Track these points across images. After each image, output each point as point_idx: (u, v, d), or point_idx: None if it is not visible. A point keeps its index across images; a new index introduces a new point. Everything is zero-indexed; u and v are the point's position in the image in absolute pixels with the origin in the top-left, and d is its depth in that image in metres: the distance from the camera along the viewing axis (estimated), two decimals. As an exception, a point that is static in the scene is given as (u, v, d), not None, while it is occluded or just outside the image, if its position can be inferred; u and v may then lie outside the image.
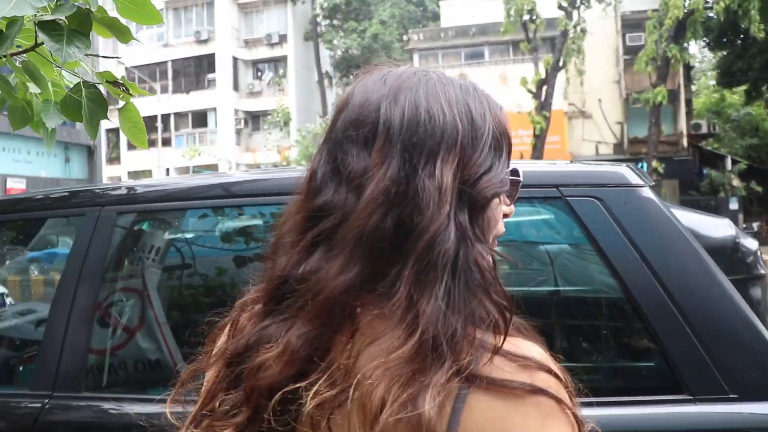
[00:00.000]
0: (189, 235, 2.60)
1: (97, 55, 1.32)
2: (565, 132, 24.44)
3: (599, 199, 1.78)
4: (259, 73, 34.88)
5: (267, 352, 0.77)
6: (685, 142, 24.92)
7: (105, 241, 2.15)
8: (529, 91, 21.50)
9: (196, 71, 33.47)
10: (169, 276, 2.60)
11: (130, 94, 1.44)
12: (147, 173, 31.98)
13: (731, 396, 1.62)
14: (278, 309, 0.81)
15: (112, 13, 1.34)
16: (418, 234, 0.76)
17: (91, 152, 32.79)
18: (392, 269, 0.76)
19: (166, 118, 32.62)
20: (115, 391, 2.27)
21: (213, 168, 29.80)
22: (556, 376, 0.74)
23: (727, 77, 25.97)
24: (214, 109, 33.04)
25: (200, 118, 33.59)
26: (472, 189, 0.79)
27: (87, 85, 1.38)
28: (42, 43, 1.32)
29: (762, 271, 4.18)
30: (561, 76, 22.61)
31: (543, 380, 0.73)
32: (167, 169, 31.25)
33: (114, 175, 33.35)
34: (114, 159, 34.42)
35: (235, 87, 33.80)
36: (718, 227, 4.23)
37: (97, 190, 2.41)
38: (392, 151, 0.79)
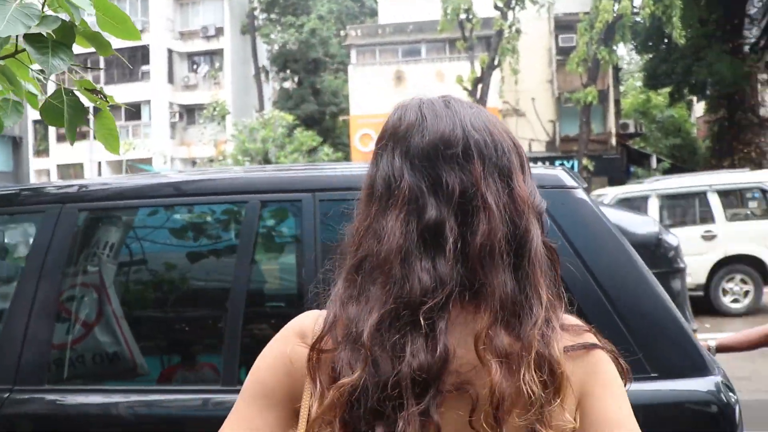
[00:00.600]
0: (152, 232, 2.66)
1: (81, 65, 1.40)
2: (499, 129, 24.98)
3: (538, 199, 1.96)
4: (195, 66, 34.26)
5: (496, 372, 0.85)
6: (614, 140, 25.82)
7: (66, 238, 2.21)
8: (465, 89, 21.89)
9: (129, 63, 32.63)
10: (127, 271, 2.66)
11: (107, 101, 1.52)
12: (77, 167, 30.96)
13: (652, 375, 1.82)
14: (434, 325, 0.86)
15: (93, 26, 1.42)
16: (530, 239, 0.91)
17: (16, 144, 31.44)
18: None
19: (97, 110, 31.66)
20: (76, 384, 2.32)
21: (147, 162, 29.14)
22: (595, 333, 0.97)
23: (652, 80, 27.01)
24: (148, 101, 32.27)
25: (134, 111, 32.79)
26: (533, 202, 0.95)
27: (67, 92, 1.45)
28: (22, 50, 1.39)
29: (682, 265, 4.51)
30: (496, 75, 23.09)
31: (591, 338, 0.96)
32: (99, 163, 30.35)
33: (42, 168, 32.17)
34: (42, 151, 33.20)
35: (170, 80, 33.09)
36: (643, 224, 4.54)
37: (57, 188, 2.45)
38: (490, 169, 0.92)
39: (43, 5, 1.32)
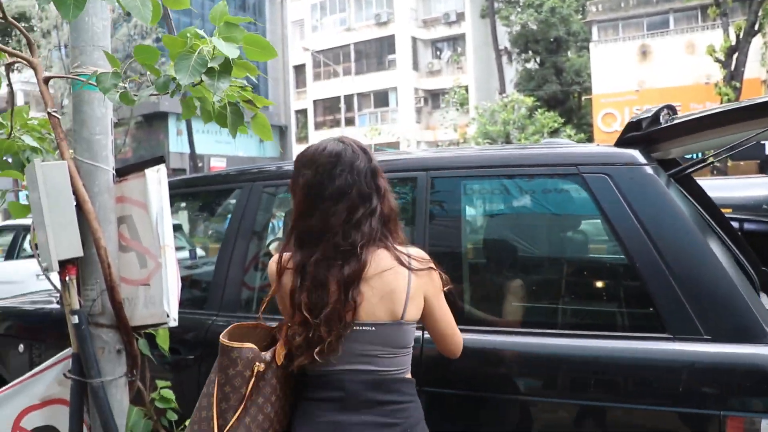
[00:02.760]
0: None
1: (235, 85, 2.06)
2: (761, 102, 22.52)
3: (609, 175, 2.21)
4: (438, 52, 35.65)
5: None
6: None
7: (254, 208, 2.97)
8: (717, 60, 20.15)
9: (377, 53, 35.02)
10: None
11: (257, 107, 2.19)
12: (331, 151, 34.05)
13: (705, 337, 1.99)
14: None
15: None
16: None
17: (282, 132, 35.55)
18: None
19: (349, 98, 34.57)
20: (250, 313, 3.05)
21: (394, 146, 31.15)
22: (431, 260, 1.82)
23: None
24: (395, 88, 34.39)
25: (381, 98, 35.14)
26: None
27: (231, 104, 2.14)
28: (200, 81, 2.08)
29: None
30: (756, 42, 20.87)
31: (431, 262, 1.81)
32: (349, 147, 33.04)
33: (303, 152, 35.95)
34: (302, 138, 37.14)
35: (415, 66, 34.88)
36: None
37: (250, 170, 3.20)
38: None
39: (212, 53, 1.97)
